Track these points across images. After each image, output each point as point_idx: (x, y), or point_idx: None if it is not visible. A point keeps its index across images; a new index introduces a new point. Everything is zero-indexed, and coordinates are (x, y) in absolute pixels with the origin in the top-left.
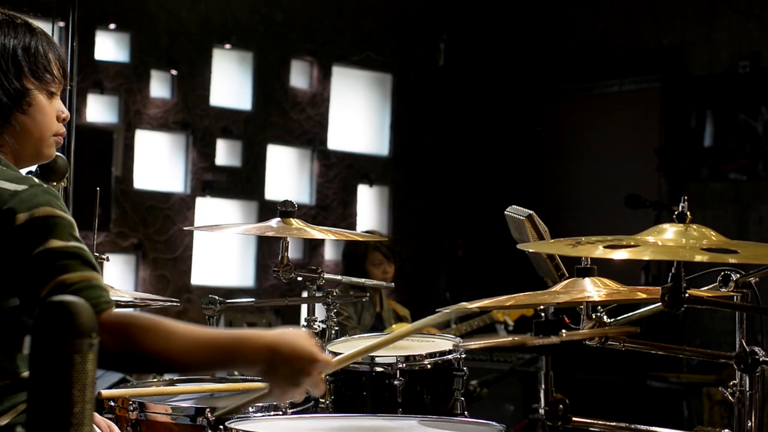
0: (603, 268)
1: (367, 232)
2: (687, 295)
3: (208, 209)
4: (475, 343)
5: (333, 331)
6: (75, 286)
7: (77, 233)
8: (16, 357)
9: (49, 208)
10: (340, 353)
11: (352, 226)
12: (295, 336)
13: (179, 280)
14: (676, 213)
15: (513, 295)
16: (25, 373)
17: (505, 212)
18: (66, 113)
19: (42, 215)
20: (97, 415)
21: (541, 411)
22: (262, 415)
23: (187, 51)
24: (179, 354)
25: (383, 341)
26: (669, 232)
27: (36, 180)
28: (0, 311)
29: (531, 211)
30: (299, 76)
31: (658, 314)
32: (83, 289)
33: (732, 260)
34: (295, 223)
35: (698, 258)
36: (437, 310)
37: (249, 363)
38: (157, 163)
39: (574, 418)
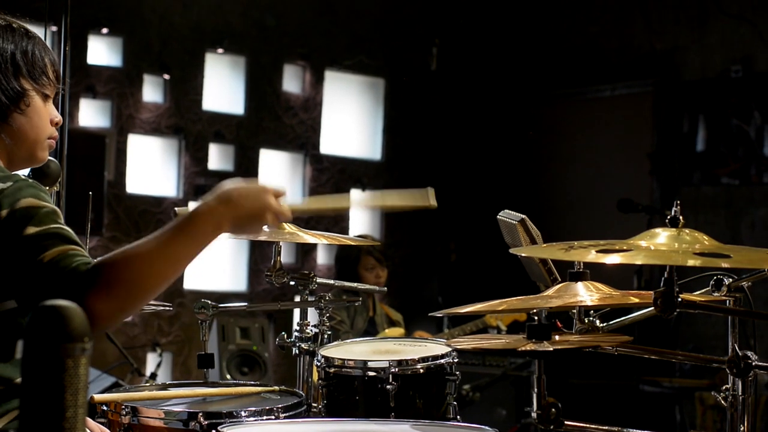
0: (596, 273)
1: (359, 236)
2: (680, 299)
3: None
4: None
5: (325, 336)
6: (53, 260)
7: (60, 219)
8: (11, 363)
9: (31, 199)
10: (332, 357)
11: (344, 230)
12: (239, 185)
13: (172, 284)
14: (668, 217)
15: (506, 300)
16: (19, 379)
17: (498, 216)
18: (59, 118)
19: (21, 207)
20: (89, 420)
21: (534, 415)
22: (255, 420)
23: (179, 55)
24: (161, 264)
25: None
26: (661, 236)
27: (21, 176)
28: None
29: (523, 216)
30: (292, 81)
31: (650, 318)
32: (60, 260)
33: (724, 264)
34: (288, 227)
35: (691, 262)
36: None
37: (212, 225)
38: (150, 167)
39: (566, 422)
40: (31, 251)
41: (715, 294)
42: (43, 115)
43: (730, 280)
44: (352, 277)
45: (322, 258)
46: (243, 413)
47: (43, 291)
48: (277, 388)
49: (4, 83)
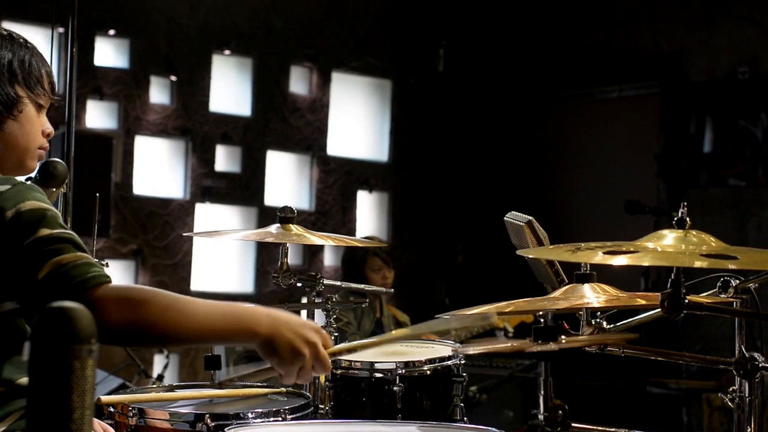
0: (602, 274)
1: (366, 238)
2: (686, 301)
3: (208, 215)
4: (473, 349)
5: (333, 337)
6: (71, 264)
7: (64, 224)
8: (12, 363)
9: (35, 201)
10: (339, 359)
11: (351, 232)
12: (294, 315)
13: (178, 286)
14: (675, 219)
15: (512, 301)
16: (21, 380)
17: (505, 218)
18: (51, 129)
19: (28, 209)
20: (95, 420)
21: (541, 417)
22: (262, 421)
23: (186, 57)
24: (181, 324)
25: (381, 340)
26: (668, 238)
27: (18, 179)
28: None
29: (530, 217)
30: (299, 82)
31: (657, 320)
32: (80, 266)
33: (731, 266)
34: (295, 229)
35: (698, 264)
36: (437, 316)
37: (247, 335)
38: (157, 169)
39: (573, 424)
40: (46, 252)
41: (722, 295)
42: (36, 124)
43: (737, 281)
44: (359, 278)
45: (329, 259)
46: (250, 415)
47: (59, 295)
48: (284, 389)
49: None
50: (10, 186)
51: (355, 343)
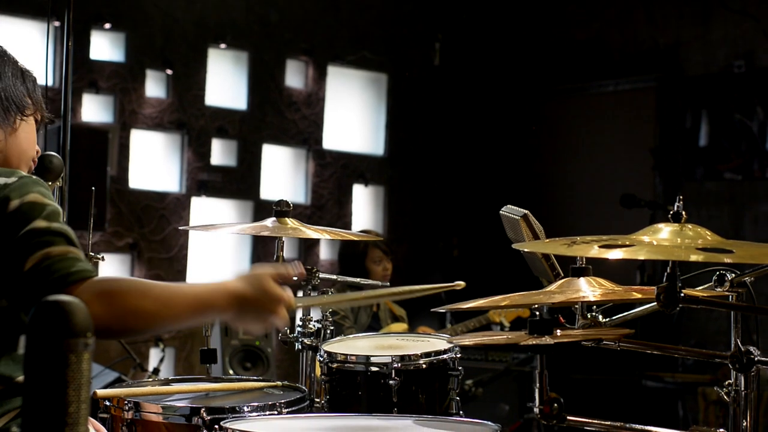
0: (598, 268)
1: (362, 231)
2: (682, 294)
3: (204, 209)
4: (468, 339)
5: (328, 331)
6: (57, 258)
7: (63, 221)
8: (12, 359)
9: (38, 195)
10: (335, 353)
11: (347, 225)
12: (259, 280)
13: (174, 279)
14: (671, 212)
15: (508, 295)
16: (20, 378)
17: (501, 212)
18: (39, 149)
19: (30, 201)
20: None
21: (536, 410)
22: (258, 415)
23: (182, 50)
24: (159, 311)
25: (355, 297)
26: (664, 231)
27: (23, 173)
28: None
29: (526, 211)
30: (294, 76)
31: (653, 314)
32: (65, 260)
33: (727, 260)
34: (291, 222)
35: (693, 258)
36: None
37: (219, 313)
38: (153, 162)
39: (569, 418)
40: (37, 243)
41: (718, 289)
42: (34, 133)
43: (733, 275)
44: (360, 270)
45: (324, 253)
46: (246, 408)
47: (41, 287)
48: (279, 383)
49: (13, 89)
50: (17, 178)
51: (313, 298)
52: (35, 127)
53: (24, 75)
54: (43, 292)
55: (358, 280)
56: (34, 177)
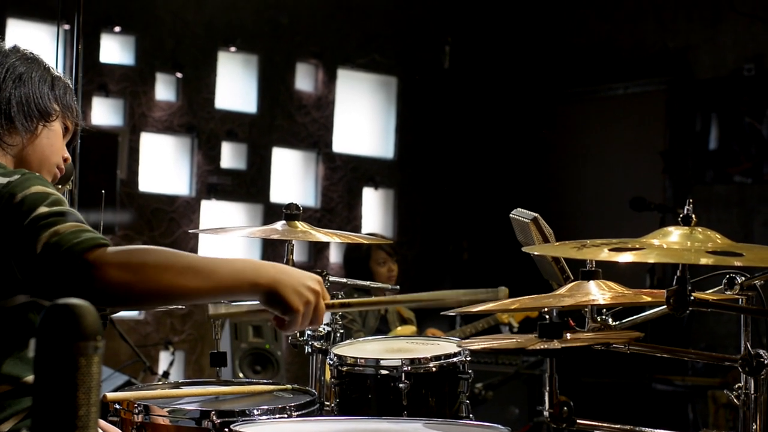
0: (608, 271)
1: (369, 234)
2: (692, 297)
3: (213, 212)
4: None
5: (338, 334)
6: (66, 231)
7: (67, 206)
8: (21, 359)
9: (41, 186)
10: (345, 356)
11: (357, 228)
12: (294, 268)
13: None
14: (681, 216)
15: (518, 298)
16: (28, 378)
17: (510, 215)
18: (69, 156)
19: (33, 192)
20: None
21: (546, 414)
22: (267, 419)
23: (192, 54)
24: (183, 285)
25: (379, 300)
26: (674, 234)
27: (26, 171)
28: (2, 310)
29: (536, 214)
30: (304, 79)
31: (663, 317)
32: (75, 232)
33: (737, 263)
34: (300, 225)
35: (703, 261)
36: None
37: (251, 285)
38: (163, 166)
39: (578, 421)
40: (44, 224)
41: (728, 292)
42: (59, 140)
43: (743, 278)
44: (364, 273)
45: (334, 256)
46: (256, 412)
47: (56, 262)
48: (289, 386)
49: (38, 95)
50: (20, 175)
51: (352, 300)
52: (62, 134)
53: (54, 81)
54: (59, 265)
55: (367, 283)
56: (36, 174)
